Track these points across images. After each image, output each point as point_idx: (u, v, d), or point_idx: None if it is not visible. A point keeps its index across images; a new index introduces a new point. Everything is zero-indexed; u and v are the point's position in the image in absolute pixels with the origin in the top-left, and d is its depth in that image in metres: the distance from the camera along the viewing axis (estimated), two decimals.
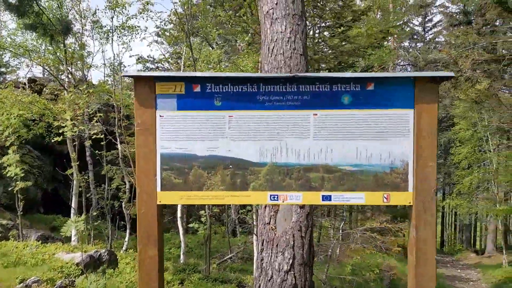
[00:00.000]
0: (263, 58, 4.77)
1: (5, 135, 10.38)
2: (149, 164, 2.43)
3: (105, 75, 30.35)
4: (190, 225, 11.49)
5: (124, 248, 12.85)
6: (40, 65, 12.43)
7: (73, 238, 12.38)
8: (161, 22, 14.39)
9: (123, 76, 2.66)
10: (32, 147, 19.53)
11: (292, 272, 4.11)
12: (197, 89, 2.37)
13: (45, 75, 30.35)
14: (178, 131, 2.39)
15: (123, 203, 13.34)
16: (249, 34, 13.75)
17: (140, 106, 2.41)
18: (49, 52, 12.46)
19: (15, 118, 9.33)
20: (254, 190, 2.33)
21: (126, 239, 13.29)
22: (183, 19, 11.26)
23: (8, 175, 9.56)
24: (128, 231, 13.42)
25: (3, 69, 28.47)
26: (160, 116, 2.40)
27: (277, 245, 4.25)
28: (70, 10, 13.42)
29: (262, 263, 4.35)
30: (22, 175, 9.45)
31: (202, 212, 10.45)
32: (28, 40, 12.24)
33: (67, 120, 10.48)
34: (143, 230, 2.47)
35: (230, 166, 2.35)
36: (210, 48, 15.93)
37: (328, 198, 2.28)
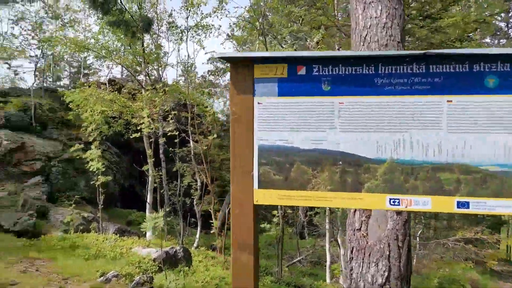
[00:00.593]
0: (353, 47, 4.34)
1: (88, 131, 10.90)
2: (245, 158, 2.14)
3: (178, 75, 31.36)
4: (261, 225, 11.28)
5: (195, 245, 12.96)
6: (120, 64, 12.89)
7: (148, 233, 12.72)
8: (237, 18, 14.28)
9: (218, 57, 2.41)
10: (111, 144, 20.57)
11: (388, 286, 3.65)
12: (302, 71, 2.03)
13: (124, 76, 32.04)
14: (278, 120, 2.07)
15: (194, 200, 13.49)
16: (322, 30, 13.26)
17: (236, 92, 2.13)
18: (128, 52, 12.93)
19: (97, 115, 9.71)
20: (368, 192, 1.94)
21: (197, 236, 13.41)
22: (258, 16, 11.10)
23: (90, 169, 9.98)
24: (199, 228, 13.54)
25: (86, 71, 30.51)
26: (259, 103, 2.09)
27: (369, 255, 3.80)
28: (147, 13, 13.84)
29: (352, 274, 3.92)
30: (103, 170, 9.81)
31: (274, 212, 10.18)
32: (110, 41, 12.79)
33: (145, 117, 10.75)
34: (237, 233, 2.18)
35: (340, 163, 1.98)
36: (280, 46, 15.65)
37: (465, 205, 1.82)
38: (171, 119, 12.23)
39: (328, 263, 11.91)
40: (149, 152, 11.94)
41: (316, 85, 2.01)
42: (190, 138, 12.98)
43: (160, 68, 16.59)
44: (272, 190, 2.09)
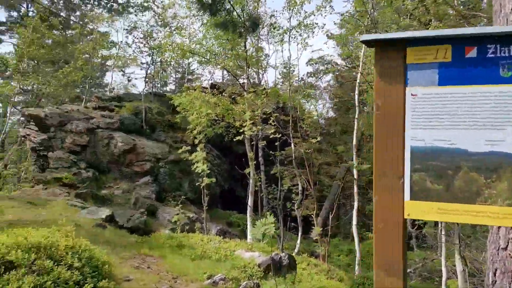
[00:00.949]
0: None
1: (194, 133, 11.16)
2: (393, 163, 1.68)
3: (277, 77, 31.51)
4: (367, 233, 10.52)
5: (296, 251, 12.59)
6: (224, 68, 13.08)
7: (249, 236, 12.68)
8: (342, 14, 13.69)
9: (361, 41, 1.95)
10: (212, 146, 21.20)
11: None
12: (472, 53, 1.52)
13: (224, 81, 33.11)
14: (438, 116, 1.59)
15: (295, 205, 13.13)
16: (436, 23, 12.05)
17: (383, 83, 1.68)
18: (231, 54, 13.06)
19: (203, 117, 9.86)
20: None
21: (298, 241, 13.03)
22: (366, 10, 10.41)
23: (196, 171, 10.17)
24: (300, 233, 13.15)
25: (190, 77, 32.15)
26: (412, 95, 1.62)
27: None
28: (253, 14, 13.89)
29: None
30: (208, 171, 9.92)
31: None
32: (213, 46, 13.08)
33: (247, 120, 10.68)
34: (381, 252, 1.73)
35: None
36: None
37: None
38: (273, 121, 12.03)
39: (444, 279, 10.71)
40: (250, 155, 11.91)
41: (492, 71, 1.49)
42: (292, 141, 12.64)
43: (260, 71, 16.56)
44: (428, 202, 1.61)
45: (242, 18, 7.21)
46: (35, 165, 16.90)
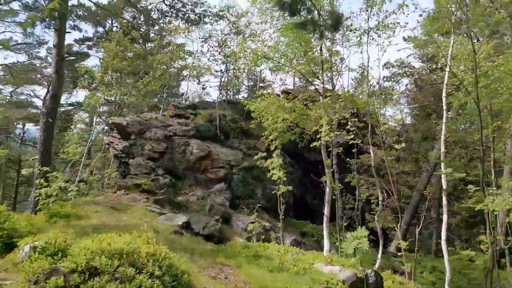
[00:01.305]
0: None
1: (269, 139, 10.89)
2: None
3: (351, 82, 30.52)
4: (462, 252, 9.46)
5: (376, 266, 11.75)
6: (299, 72, 12.70)
7: (325, 248, 12.09)
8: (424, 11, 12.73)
9: None
10: (285, 153, 20.86)
11: None
12: None
13: (296, 87, 32.77)
14: None
15: (376, 216, 12.30)
16: None
17: None
18: (308, 58, 12.66)
19: (280, 122, 9.54)
20: None
21: (379, 256, 12.16)
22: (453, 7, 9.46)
23: (271, 178, 9.86)
24: (381, 247, 12.27)
25: (261, 84, 32.25)
26: None
27: None
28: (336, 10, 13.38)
29: None
30: (285, 179, 9.55)
31: (482, 237, 8.34)
32: (288, 50, 12.76)
33: (323, 125, 10.19)
34: None
35: None
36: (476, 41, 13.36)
37: None
38: (351, 127, 11.40)
39: None
40: (327, 161, 11.35)
41: None
42: (371, 148, 11.90)
43: (335, 75, 15.96)
44: None
45: (323, 17, 6.83)
46: (117, 171, 17.74)
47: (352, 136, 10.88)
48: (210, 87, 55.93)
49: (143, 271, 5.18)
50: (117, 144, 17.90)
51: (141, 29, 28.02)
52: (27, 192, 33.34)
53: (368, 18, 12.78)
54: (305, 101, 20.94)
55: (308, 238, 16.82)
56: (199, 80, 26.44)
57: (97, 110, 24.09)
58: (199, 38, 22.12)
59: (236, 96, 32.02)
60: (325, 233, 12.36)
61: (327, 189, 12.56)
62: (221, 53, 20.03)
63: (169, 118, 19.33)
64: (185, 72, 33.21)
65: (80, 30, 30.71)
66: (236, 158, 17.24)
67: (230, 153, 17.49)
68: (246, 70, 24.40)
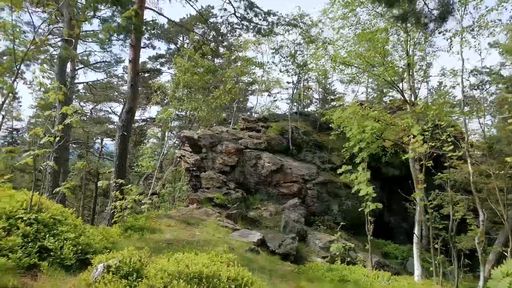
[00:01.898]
0: None
1: (351, 152, 9.89)
2: None
3: (431, 90, 28.34)
4: None
5: None
6: (383, 78, 11.54)
7: (416, 272, 10.68)
8: None
9: None
10: None
11: None
12: None
13: (369, 98, 31.20)
14: None
15: (476, 239, 10.69)
16: None
17: None
18: (391, 63, 11.50)
19: (367, 132, 8.51)
20: None
21: (480, 284, 10.51)
22: None
23: (359, 194, 8.83)
24: (482, 274, 10.62)
25: (331, 96, 31.09)
26: None
27: None
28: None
29: None
30: (375, 195, 8.47)
31: None
32: (371, 54, 11.68)
33: (416, 135, 9.02)
34: None
35: None
36: None
37: None
38: (444, 137, 10.03)
39: None
40: (420, 176, 10.01)
41: None
42: (469, 161, 10.42)
43: (419, 81, 14.54)
44: None
45: (427, 5, 5.94)
46: (189, 184, 17.56)
47: (449, 147, 9.48)
48: (282, 99, 55.28)
49: None
50: (188, 158, 17.77)
51: (211, 43, 28.28)
52: (105, 204, 34.84)
53: (462, 17, 11.40)
54: (381, 113, 19.59)
55: (391, 260, 15.32)
56: (269, 93, 25.92)
57: (169, 125, 24.47)
58: (270, 49, 21.63)
59: (308, 109, 31.17)
60: (415, 255, 10.95)
61: (418, 208, 11.18)
62: (294, 63, 19.31)
63: (240, 131, 18.93)
64: (254, 86, 33.09)
65: (153, 47, 31.84)
66: (310, 172, 16.27)
67: (303, 167, 16.57)
68: (316, 81, 23.36)
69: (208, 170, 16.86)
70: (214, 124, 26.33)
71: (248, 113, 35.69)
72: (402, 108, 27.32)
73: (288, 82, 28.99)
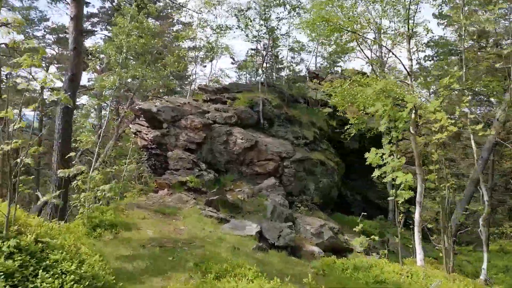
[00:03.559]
0: None
1: (382, 128, 8.65)
2: None
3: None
4: None
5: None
6: (378, 43, 10.33)
7: (419, 256, 10.02)
8: None
9: None
10: (322, 140, 18.70)
11: None
12: None
13: (318, 68, 30.35)
14: None
15: (480, 220, 10.25)
16: None
17: None
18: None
19: (407, 107, 7.28)
20: None
21: (484, 265, 10.17)
22: None
23: (396, 182, 7.68)
24: (485, 254, 10.28)
25: (279, 65, 29.74)
26: None
27: None
28: None
29: None
30: (412, 183, 7.35)
31: None
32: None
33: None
34: None
35: None
36: None
37: None
38: None
39: None
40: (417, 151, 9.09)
41: None
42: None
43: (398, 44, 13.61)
44: None
45: None
46: (145, 164, 15.45)
47: None
48: (232, 68, 51.99)
49: None
50: (146, 134, 15.55)
51: (155, 3, 25.26)
52: (29, 184, 30.69)
53: None
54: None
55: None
56: (233, 59, 23.58)
57: (110, 94, 21.57)
58: (225, 11, 19.48)
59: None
60: (417, 238, 10.22)
61: (419, 188, 10.42)
62: (264, 27, 17.41)
63: (203, 104, 16.96)
64: (195, 53, 30.54)
65: (87, 3, 27.81)
66: (287, 149, 14.99)
67: (278, 143, 15.23)
68: (290, 48, 21.70)
69: (171, 148, 14.85)
70: (151, 96, 23.86)
71: (187, 82, 33.16)
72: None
73: (252, 49, 26.92)
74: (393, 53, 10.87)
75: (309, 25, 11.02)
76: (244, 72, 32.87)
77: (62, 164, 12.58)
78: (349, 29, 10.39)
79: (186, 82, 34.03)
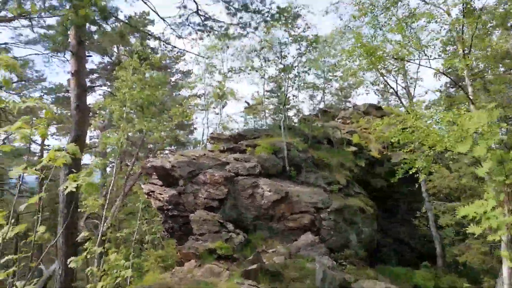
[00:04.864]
0: None
1: (419, 165, 7.02)
2: None
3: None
4: None
5: None
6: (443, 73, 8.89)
7: None
8: None
9: None
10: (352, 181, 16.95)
11: None
12: None
13: (328, 106, 29.11)
14: None
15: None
16: None
17: None
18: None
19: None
20: None
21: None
22: None
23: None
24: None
25: (286, 106, 28.46)
26: None
27: None
28: None
29: None
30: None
31: None
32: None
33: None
34: None
35: None
36: None
37: None
38: None
39: None
40: None
41: None
42: None
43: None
44: None
45: None
46: (165, 228, 13.63)
47: None
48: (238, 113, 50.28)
49: None
50: (160, 194, 13.83)
51: (156, 54, 24.24)
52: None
53: None
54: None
55: None
56: (248, 103, 22.45)
57: (117, 152, 20.04)
58: (230, 55, 18.32)
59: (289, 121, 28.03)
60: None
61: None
62: (281, 64, 16.10)
63: (220, 154, 15.35)
64: (198, 101, 29.31)
65: (88, 57, 26.82)
66: (322, 198, 13.22)
67: (311, 192, 13.48)
68: (311, 87, 20.34)
69: (189, 208, 13.09)
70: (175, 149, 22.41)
71: (187, 130, 31.80)
72: (369, 113, 25.59)
73: (267, 91, 25.74)
74: (450, 78, 9.37)
75: (347, 53, 9.71)
76: (250, 116, 31.61)
77: (67, 245, 11.40)
78: (395, 57, 9.00)
79: (187, 131, 32.68)
